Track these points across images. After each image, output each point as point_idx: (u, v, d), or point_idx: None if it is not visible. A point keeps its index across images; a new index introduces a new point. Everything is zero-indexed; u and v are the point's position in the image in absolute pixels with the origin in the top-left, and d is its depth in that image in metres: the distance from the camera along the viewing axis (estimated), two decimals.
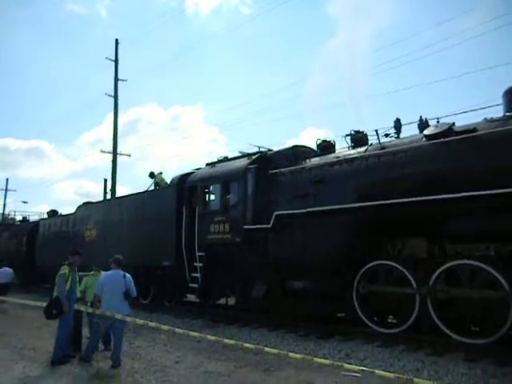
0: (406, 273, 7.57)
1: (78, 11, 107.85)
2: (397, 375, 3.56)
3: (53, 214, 21.74)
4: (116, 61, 24.73)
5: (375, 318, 8.10)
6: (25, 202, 42.37)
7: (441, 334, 7.06)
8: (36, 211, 74.25)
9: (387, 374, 3.73)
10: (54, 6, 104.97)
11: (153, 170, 14.66)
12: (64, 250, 16.10)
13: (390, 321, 8.18)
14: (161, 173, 14.69)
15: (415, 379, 3.43)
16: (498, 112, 7.53)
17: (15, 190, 47.06)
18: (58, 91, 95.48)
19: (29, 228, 22.38)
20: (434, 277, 7.20)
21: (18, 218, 33.45)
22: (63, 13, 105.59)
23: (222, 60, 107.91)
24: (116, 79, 24.56)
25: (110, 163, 23.74)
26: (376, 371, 3.76)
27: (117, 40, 24.94)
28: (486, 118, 7.56)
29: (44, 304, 6.91)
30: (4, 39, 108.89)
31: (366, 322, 8.05)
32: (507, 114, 7.34)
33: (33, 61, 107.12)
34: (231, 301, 11.37)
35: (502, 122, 7.12)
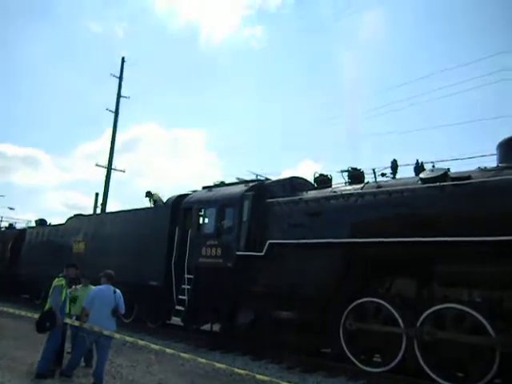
0: (394, 312, 7.63)
1: (93, 29, 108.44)
2: None
3: (41, 222, 21.49)
4: (120, 78, 25.16)
5: (362, 357, 8.04)
6: (11, 209, 41.91)
7: (426, 377, 7.06)
8: (23, 219, 73.10)
9: None
10: (70, 22, 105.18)
11: (147, 189, 14.61)
12: (50, 260, 15.96)
13: (375, 359, 8.17)
14: (152, 194, 14.54)
15: None
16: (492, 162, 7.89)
17: (3, 196, 46.49)
18: (61, 103, 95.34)
19: (15, 235, 22.02)
20: (421, 318, 7.27)
21: (4, 224, 32.99)
22: (78, 28, 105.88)
23: (228, 89, 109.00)
24: (119, 96, 24.91)
25: (104, 177, 23.80)
26: None
27: (123, 58, 25.48)
28: (479, 167, 7.83)
29: (28, 314, 6.80)
30: (13, 48, 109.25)
31: (353, 359, 8.02)
32: (500, 164, 7.64)
33: (40, 71, 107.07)
34: (216, 327, 11.24)
35: (495, 171, 7.39)
